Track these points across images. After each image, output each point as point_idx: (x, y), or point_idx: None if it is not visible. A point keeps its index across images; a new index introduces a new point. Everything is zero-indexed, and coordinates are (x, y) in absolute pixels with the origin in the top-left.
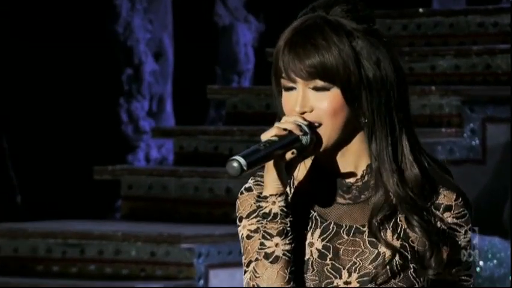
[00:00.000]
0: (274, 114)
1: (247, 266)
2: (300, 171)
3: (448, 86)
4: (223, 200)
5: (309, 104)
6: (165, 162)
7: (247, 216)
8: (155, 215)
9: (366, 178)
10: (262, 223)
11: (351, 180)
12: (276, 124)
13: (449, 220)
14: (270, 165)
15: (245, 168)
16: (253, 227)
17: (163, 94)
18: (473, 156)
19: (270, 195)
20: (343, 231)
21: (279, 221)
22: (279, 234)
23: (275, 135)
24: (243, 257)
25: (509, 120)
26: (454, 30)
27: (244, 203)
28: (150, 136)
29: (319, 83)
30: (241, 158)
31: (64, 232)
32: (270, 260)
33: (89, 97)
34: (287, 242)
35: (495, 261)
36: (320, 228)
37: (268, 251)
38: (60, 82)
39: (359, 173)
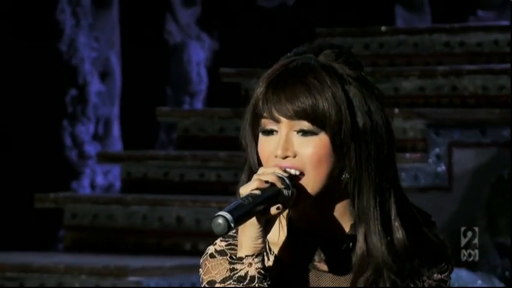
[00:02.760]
0: (228, 139)
1: None
2: (273, 232)
3: (412, 109)
4: (173, 229)
5: (293, 148)
6: (112, 190)
7: (223, 281)
8: (101, 246)
9: (349, 240)
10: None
11: (333, 242)
12: (256, 176)
13: (435, 277)
14: (249, 222)
15: (232, 225)
16: None
17: (110, 116)
18: (439, 182)
19: (246, 256)
20: None
21: (256, 285)
22: None
23: (257, 189)
24: None
25: (478, 145)
26: (419, 49)
27: (217, 266)
28: (96, 161)
29: (306, 125)
30: (227, 214)
31: (1, 264)
32: None
33: (30, 119)
34: None
35: None
36: None
37: None
38: None
39: (341, 234)
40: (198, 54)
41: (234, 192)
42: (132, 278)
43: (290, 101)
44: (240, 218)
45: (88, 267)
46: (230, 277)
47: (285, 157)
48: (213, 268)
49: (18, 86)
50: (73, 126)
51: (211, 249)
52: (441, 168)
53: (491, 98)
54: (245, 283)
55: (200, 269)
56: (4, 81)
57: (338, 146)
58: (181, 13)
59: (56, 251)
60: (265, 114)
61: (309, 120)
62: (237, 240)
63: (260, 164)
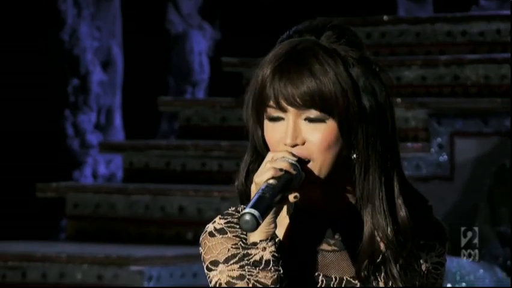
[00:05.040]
0: (230, 128)
1: None
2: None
3: (414, 98)
4: (175, 219)
5: (301, 136)
6: (113, 179)
7: (226, 262)
8: (103, 235)
9: (353, 220)
10: (251, 272)
11: (336, 222)
12: (270, 164)
13: (433, 260)
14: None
15: (260, 221)
16: (235, 274)
17: (112, 106)
18: (440, 172)
19: (260, 240)
20: (333, 285)
21: (272, 268)
22: (274, 283)
23: (272, 178)
24: None
25: (479, 135)
26: (421, 39)
27: (218, 246)
28: (97, 151)
29: (314, 113)
30: (254, 211)
31: (3, 254)
32: None
33: (33, 109)
34: None
35: (464, 284)
36: (308, 281)
37: None
38: (0, 92)
39: (344, 214)
40: (200, 44)
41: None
42: (134, 268)
43: (296, 90)
44: (264, 212)
45: (90, 256)
46: (234, 256)
47: (294, 145)
48: (213, 248)
49: (20, 76)
50: (75, 115)
51: (210, 227)
52: (443, 157)
53: (493, 88)
54: (261, 267)
55: (200, 248)
56: (6, 71)
57: (345, 131)
58: (182, 3)
59: (58, 240)
60: (271, 103)
61: (316, 108)
62: (235, 218)
63: (267, 148)
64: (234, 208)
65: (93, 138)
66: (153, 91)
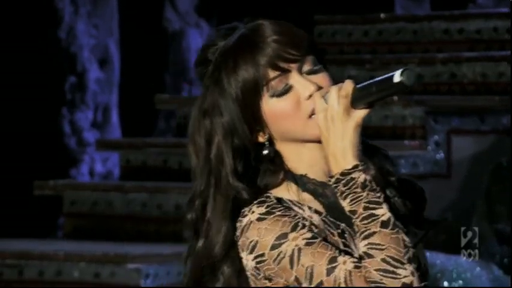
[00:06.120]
0: None
1: (331, 262)
2: (294, 192)
3: (411, 96)
4: (172, 217)
5: (315, 83)
6: (111, 177)
7: (293, 230)
8: (100, 233)
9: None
10: (360, 195)
11: (327, 174)
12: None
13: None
14: (356, 125)
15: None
16: (308, 235)
17: (109, 104)
18: (437, 170)
19: (361, 162)
20: (349, 234)
21: (377, 188)
22: (384, 200)
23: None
24: (309, 265)
25: (476, 133)
26: (418, 37)
27: (277, 223)
28: (94, 149)
29: (310, 62)
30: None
31: (1, 252)
32: (390, 227)
33: (30, 107)
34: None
35: (460, 281)
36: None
37: (385, 218)
38: None
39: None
40: (197, 42)
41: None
42: (131, 265)
43: (291, 44)
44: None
45: (88, 254)
46: (296, 225)
47: (318, 89)
48: (273, 226)
49: (17, 74)
50: (72, 113)
51: (253, 216)
52: (440, 155)
53: (490, 85)
54: (368, 188)
55: (247, 239)
56: (3, 69)
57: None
58: (179, 0)
59: (56, 238)
60: (272, 75)
61: (311, 53)
62: (272, 201)
63: (251, 140)
64: (258, 200)
65: (90, 136)
66: (150, 89)
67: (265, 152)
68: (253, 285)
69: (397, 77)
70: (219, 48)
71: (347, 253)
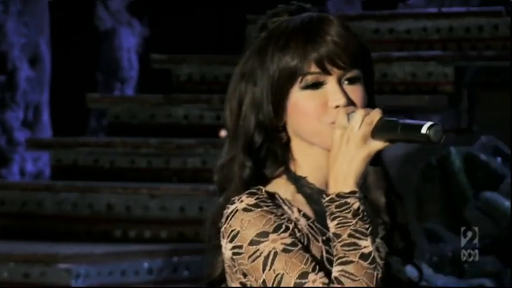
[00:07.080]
0: (159, 125)
1: (301, 277)
2: (287, 190)
3: None
4: (103, 216)
5: (347, 97)
6: (41, 177)
7: (275, 231)
8: (30, 233)
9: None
10: (349, 222)
11: (327, 183)
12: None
13: None
14: (367, 156)
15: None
16: (288, 241)
17: (40, 103)
18: None
19: (358, 190)
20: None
21: (367, 219)
22: (371, 233)
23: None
24: (279, 273)
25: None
26: None
27: (261, 218)
28: (25, 148)
29: (356, 73)
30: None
31: None
32: (368, 261)
33: None
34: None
35: None
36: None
37: (366, 251)
38: None
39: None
40: (129, 41)
41: (164, 179)
42: (62, 265)
43: (344, 51)
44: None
45: (17, 254)
46: (280, 226)
47: (347, 105)
48: (257, 220)
49: None
50: (2, 112)
51: (241, 205)
52: None
53: (420, 85)
54: (360, 217)
55: (230, 227)
56: None
57: (370, 89)
58: None
59: None
60: (312, 69)
61: (359, 68)
62: (262, 195)
63: (277, 125)
64: (249, 191)
65: (20, 135)
66: (81, 88)
67: (281, 134)
68: (228, 279)
69: (424, 129)
70: (279, 22)
71: (329, 261)
